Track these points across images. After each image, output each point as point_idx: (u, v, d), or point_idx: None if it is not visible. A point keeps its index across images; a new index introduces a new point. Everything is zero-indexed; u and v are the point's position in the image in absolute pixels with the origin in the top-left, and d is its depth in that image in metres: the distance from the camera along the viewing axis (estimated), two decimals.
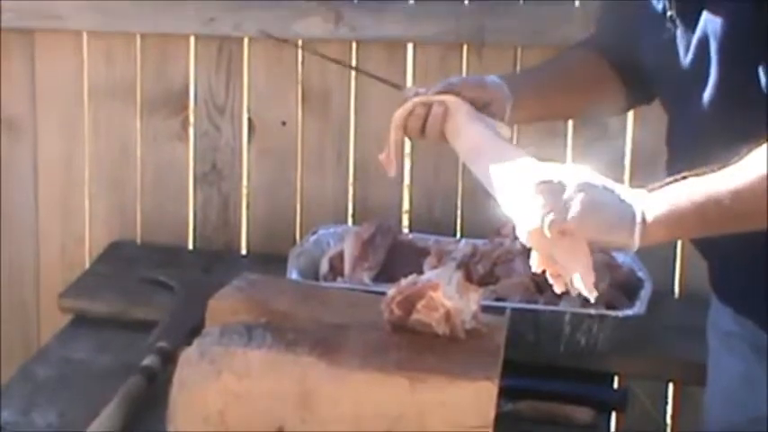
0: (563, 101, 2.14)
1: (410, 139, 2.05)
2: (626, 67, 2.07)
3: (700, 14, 1.79)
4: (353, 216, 2.94)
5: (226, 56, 2.93)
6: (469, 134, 1.93)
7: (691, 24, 1.81)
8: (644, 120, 2.73)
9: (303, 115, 2.92)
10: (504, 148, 1.87)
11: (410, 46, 2.87)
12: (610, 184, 1.67)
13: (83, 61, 2.99)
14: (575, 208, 1.62)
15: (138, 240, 3.03)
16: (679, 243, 2.77)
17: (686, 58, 1.83)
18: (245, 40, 2.92)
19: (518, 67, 2.79)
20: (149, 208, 3.03)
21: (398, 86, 2.10)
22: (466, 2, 2.81)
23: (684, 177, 1.65)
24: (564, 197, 1.63)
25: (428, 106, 1.96)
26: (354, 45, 2.87)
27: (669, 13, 1.85)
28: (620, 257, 2.46)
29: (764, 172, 1.61)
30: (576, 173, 1.67)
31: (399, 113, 1.99)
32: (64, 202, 3.06)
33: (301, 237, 2.84)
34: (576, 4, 2.77)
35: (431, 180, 2.89)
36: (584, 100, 2.15)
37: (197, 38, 2.94)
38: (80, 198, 3.05)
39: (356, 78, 2.88)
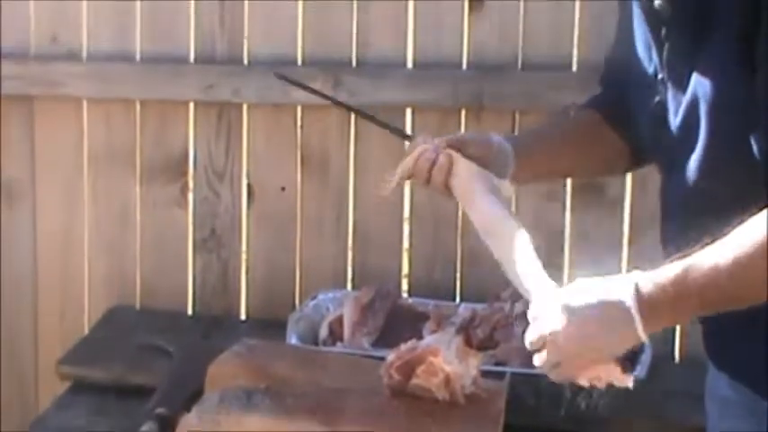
0: (565, 160, 2.14)
1: (416, 182, 2.05)
2: (628, 127, 2.08)
3: (690, 77, 1.80)
4: (353, 280, 2.93)
5: (225, 122, 2.95)
6: (477, 206, 1.94)
7: (680, 87, 1.82)
8: (643, 184, 2.73)
9: (302, 180, 2.93)
10: (508, 229, 1.88)
11: (409, 111, 2.88)
12: (599, 290, 1.68)
13: (82, 128, 3.00)
14: (565, 349, 1.67)
15: (137, 306, 3.03)
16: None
17: (676, 121, 1.84)
18: (245, 107, 2.93)
19: (516, 131, 2.80)
20: (148, 273, 3.03)
21: (408, 137, 2.10)
22: (464, 67, 2.83)
23: (681, 255, 1.66)
24: (551, 337, 1.68)
25: (435, 155, 1.97)
26: None
27: (660, 76, 1.87)
28: None
29: (762, 248, 1.60)
30: (561, 296, 1.70)
31: (407, 160, 2.00)
32: (63, 267, 3.06)
33: (301, 301, 2.83)
34: (574, 69, 2.78)
35: (430, 244, 2.89)
36: (586, 159, 2.16)
37: (196, 104, 2.96)
38: (79, 264, 3.05)
39: (355, 143, 2.89)
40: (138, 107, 2.98)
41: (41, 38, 2.98)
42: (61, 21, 2.97)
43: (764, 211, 1.63)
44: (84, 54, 2.97)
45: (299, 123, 2.92)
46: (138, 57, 2.96)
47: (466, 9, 2.81)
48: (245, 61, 2.92)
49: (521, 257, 1.83)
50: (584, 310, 1.69)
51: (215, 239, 2.99)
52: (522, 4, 2.79)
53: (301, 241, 2.95)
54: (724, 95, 1.74)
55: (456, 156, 1.97)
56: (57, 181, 3.03)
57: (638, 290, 1.66)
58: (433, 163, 1.98)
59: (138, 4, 2.94)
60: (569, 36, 2.78)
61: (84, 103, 3.00)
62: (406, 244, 2.94)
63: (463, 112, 2.84)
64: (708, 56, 1.76)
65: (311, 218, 2.94)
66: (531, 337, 1.72)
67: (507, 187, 1.97)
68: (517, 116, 2.81)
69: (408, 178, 2.04)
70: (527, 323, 1.74)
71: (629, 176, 2.76)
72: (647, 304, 1.65)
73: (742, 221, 1.64)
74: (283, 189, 2.94)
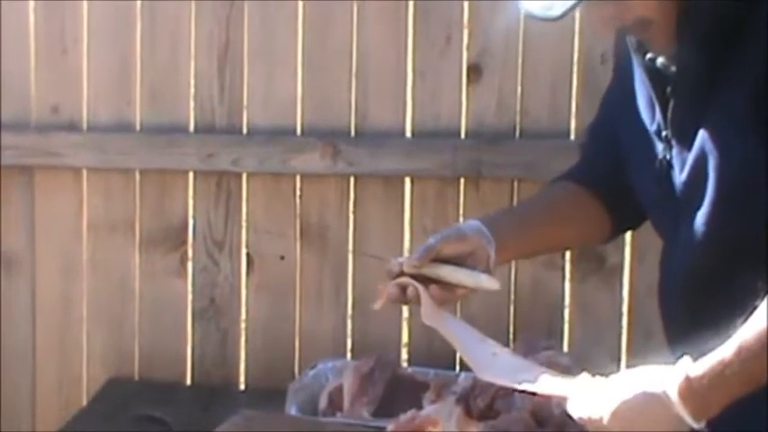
0: (545, 237, 2.14)
1: None
2: (610, 196, 2.08)
3: (696, 133, 1.80)
4: (352, 350, 2.93)
5: (224, 191, 2.95)
6: (450, 334, 1.96)
7: (686, 143, 1.82)
8: (642, 254, 2.74)
9: (301, 250, 2.93)
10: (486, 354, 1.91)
11: (407, 180, 2.89)
12: (644, 382, 1.66)
13: (82, 198, 3.01)
14: None
15: (136, 376, 3.02)
16: None
17: (681, 177, 1.84)
18: (244, 176, 2.94)
19: (515, 200, 2.81)
20: (147, 344, 3.02)
21: (382, 258, 2.09)
22: (462, 136, 2.84)
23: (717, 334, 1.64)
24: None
25: (403, 287, 1.97)
26: (352, 180, 2.89)
27: (664, 133, 1.87)
28: None
29: None
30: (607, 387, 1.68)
31: (381, 299, 2.00)
32: (61, 338, 3.05)
33: (300, 371, 2.82)
34: (572, 137, 2.80)
35: None
36: (566, 234, 2.16)
37: (196, 173, 2.96)
38: (78, 334, 3.04)
39: (354, 213, 2.90)
40: (137, 177, 2.99)
41: (42, 108, 2.99)
42: (62, 91, 2.99)
43: None
44: (85, 124, 2.98)
45: (298, 193, 2.92)
46: (137, 127, 2.97)
47: (464, 79, 2.83)
48: (245, 130, 2.93)
49: (519, 374, 1.83)
50: (629, 402, 1.66)
51: (214, 309, 2.99)
52: (519, 73, 2.81)
53: (301, 310, 2.94)
54: (734, 151, 1.74)
55: (422, 291, 1.95)
56: (56, 250, 3.03)
57: (687, 379, 1.63)
58: (404, 292, 1.97)
59: (138, 74, 2.95)
60: (567, 105, 2.80)
61: (84, 173, 3.01)
62: (405, 313, 2.93)
63: (462, 182, 2.84)
64: (716, 112, 1.76)
65: (310, 287, 2.94)
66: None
67: (489, 281, 1.97)
68: (516, 185, 2.81)
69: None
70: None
71: (627, 246, 2.76)
72: (698, 394, 1.62)
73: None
74: (282, 258, 2.94)
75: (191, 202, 2.99)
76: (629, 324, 2.81)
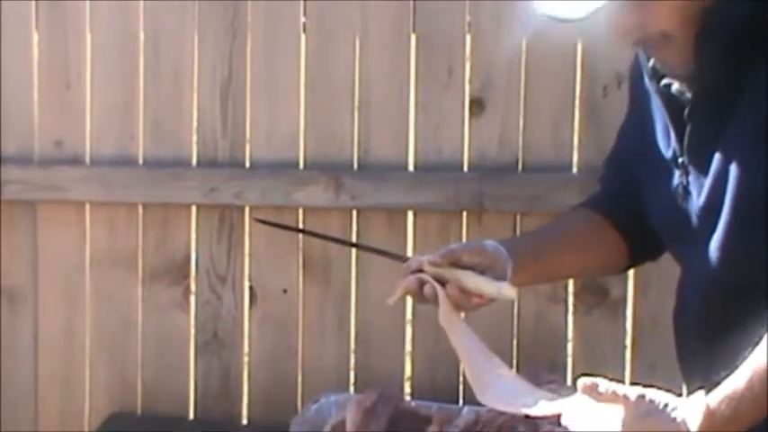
0: (562, 262, 2.14)
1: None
2: (628, 225, 2.08)
3: (712, 158, 1.79)
4: (355, 384, 2.92)
5: (227, 225, 2.95)
6: (459, 340, 1.97)
7: (703, 169, 1.82)
8: (645, 286, 2.74)
9: (304, 283, 2.93)
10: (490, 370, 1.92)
11: (410, 213, 2.89)
12: (666, 417, 1.64)
13: (85, 232, 3.01)
14: None
15: (139, 411, 3.01)
16: None
17: (699, 202, 1.83)
18: (246, 209, 2.94)
19: (518, 233, 2.81)
20: (150, 378, 3.01)
21: (401, 258, 2.09)
22: (465, 170, 2.84)
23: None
24: None
25: (421, 284, 1.98)
26: (355, 213, 2.89)
27: (681, 160, 1.86)
28: None
29: None
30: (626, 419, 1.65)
31: (398, 292, 2.02)
32: (64, 371, 3.04)
33: (303, 405, 2.81)
34: (574, 171, 2.80)
35: (432, 347, 2.88)
36: (583, 260, 2.16)
37: (198, 207, 2.96)
38: (80, 368, 3.04)
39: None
40: (140, 210, 2.99)
41: (45, 143, 3.00)
42: (65, 126, 2.99)
43: None
44: (88, 159, 2.99)
45: (300, 226, 2.92)
46: (140, 161, 2.97)
47: (467, 112, 2.84)
48: (247, 164, 2.93)
49: (521, 398, 1.83)
50: (645, 426, 1.64)
51: (217, 342, 2.98)
52: (522, 106, 2.81)
53: (303, 344, 2.94)
54: (752, 175, 1.73)
55: (440, 291, 1.97)
56: (59, 284, 3.03)
57: (708, 413, 1.62)
58: (421, 287, 1.98)
59: (141, 108, 2.96)
60: (569, 138, 2.80)
61: (87, 207, 3.01)
62: (408, 347, 2.93)
63: (464, 215, 2.84)
64: (733, 136, 1.76)
65: (313, 321, 2.93)
66: None
67: (508, 289, 1.97)
68: (518, 218, 2.81)
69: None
70: None
71: (631, 278, 2.76)
72: (716, 426, 1.61)
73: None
74: (285, 291, 2.93)
75: (193, 235, 2.99)
76: (633, 357, 2.81)
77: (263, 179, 2.89)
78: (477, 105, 2.83)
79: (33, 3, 2.98)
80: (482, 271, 1.98)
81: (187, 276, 2.99)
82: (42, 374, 3.05)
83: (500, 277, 1.99)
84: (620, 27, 1.77)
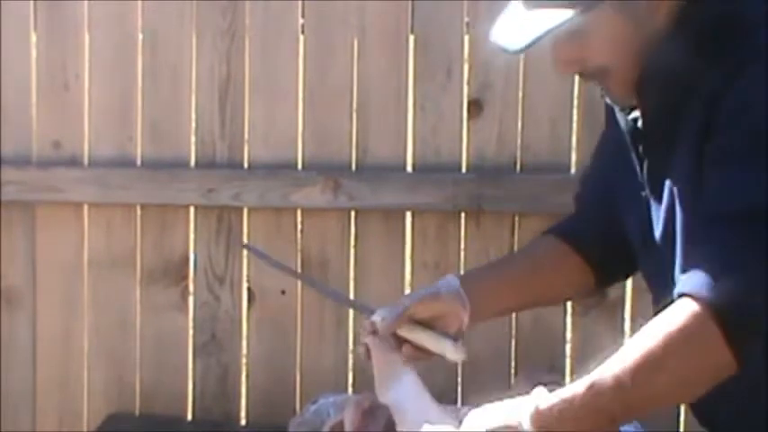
0: (522, 296, 2.18)
1: None
2: (595, 252, 2.11)
3: (664, 188, 1.82)
4: (354, 385, 2.92)
5: (225, 226, 2.95)
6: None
7: (659, 199, 1.84)
8: (643, 287, 2.72)
9: (303, 284, 2.92)
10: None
11: (408, 214, 2.89)
12: (500, 413, 1.71)
13: (83, 233, 3.01)
14: None
15: (137, 412, 3.01)
16: (682, 411, 2.75)
17: (658, 232, 1.85)
18: (245, 210, 2.94)
19: (516, 235, 2.81)
20: (148, 379, 3.01)
21: (367, 310, 2.13)
22: (463, 171, 2.84)
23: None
24: None
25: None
26: (353, 214, 2.89)
27: (643, 192, 1.88)
28: (623, 426, 2.43)
29: (657, 360, 1.62)
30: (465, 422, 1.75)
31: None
32: (62, 373, 3.04)
33: (301, 406, 2.81)
34: (572, 171, 2.80)
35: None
36: (543, 294, 2.20)
37: (197, 208, 2.96)
38: (78, 369, 3.04)
39: (355, 247, 2.90)
40: (138, 212, 2.99)
41: (43, 144, 3.00)
42: (63, 127, 2.99)
43: (658, 322, 1.65)
44: (86, 160, 2.99)
45: (299, 227, 2.92)
46: (138, 162, 2.97)
47: (465, 113, 2.84)
48: (245, 165, 2.93)
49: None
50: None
51: (215, 343, 2.98)
52: (520, 107, 2.81)
53: (302, 345, 2.94)
54: (690, 204, 1.76)
55: (372, 345, 2.06)
56: (57, 286, 3.03)
57: (538, 412, 1.66)
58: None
59: (139, 109, 2.96)
60: (567, 139, 2.80)
61: (85, 208, 3.01)
62: None
63: (463, 216, 2.84)
64: (673, 169, 1.79)
65: (312, 321, 2.93)
66: None
67: (453, 352, 2.03)
68: (517, 219, 2.81)
69: None
70: None
71: (629, 280, 2.76)
72: (548, 424, 1.66)
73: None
74: (283, 292, 2.93)
75: (191, 236, 2.99)
76: None
77: (261, 180, 2.89)
78: (476, 106, 2.83)
79: (32, 3, 2.98)
80: (438, 320, 2.04)
81: (185, 277, 2.99)
82: (40, 375, 3.05)
83: (455, 326, 2.04)
84: (561, 60, 1.81)
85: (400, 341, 2.05)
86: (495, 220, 2.82)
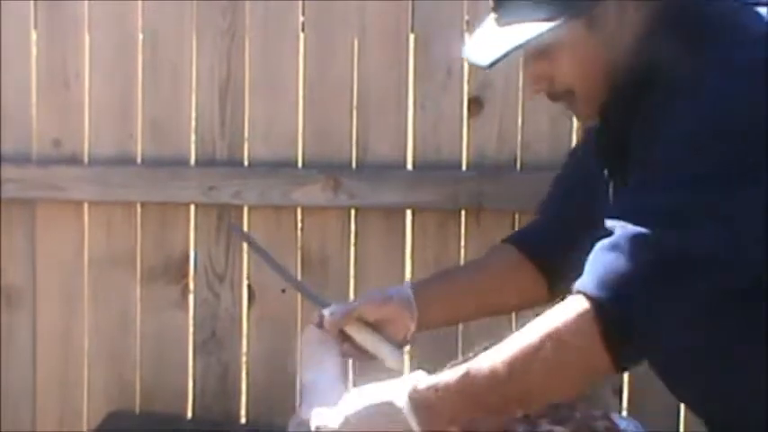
0: (475, 303, 2.21)
1: None
2: (551, 263, 2.13)
3: None
4: (354, 382, 2.91)
5: (226, 224, 2.95)
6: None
7: None
8: None
9: (303, 281, 2.92)
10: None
11: (409, 212, 2.89)
12: (377, 393, 1.75)
13: (83, 231, 3.01)
14: None
15: (137, 410, 3.01)
16: (682, 410, 2.75)
17: None
18: (245, 208, 2.94)
19: (516, 227, 2.81)
20: (148, 377, 3.01)
21: (324, 303, 2.19)
22: (463, 169, 2.84)
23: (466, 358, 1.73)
24: None
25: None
26: (353, 212, 2.89)
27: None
28: (623, 423, 2.43)
29: (536, 354, 1.65)
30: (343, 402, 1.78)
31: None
32: (62, 371, 3.04)
33: (301, 405, 2.81)
34: None
35: (431, 343, 2.86)
36: (493, 304, 2.23)
37: (197, 206, 2.96)
38: (79, 367, 3.04)
39: (355, 245, 2.90)
40: (138, 210, 2.99)
41: (43, 142, 3.00)
42: (63, 125, 2.99)
43: (543, 317, 1.68)
44: (86, 158, 2.99)
45: (299, 225, 2.92)
46: (139, 160, 2.97)
47: (465, 111, 2.84)
48: (246, 163, 2.93)
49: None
50: (360, 412, 1.74)
51: (215, 341, 2.98)
52: (520, 104, 2.82)
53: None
54: None
55: (309, 331, 2.16)
56: (57, 284, 3.03)
57: (415, 391, 1.70)
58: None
59: (140, 107, 2.96)
60: (567, 137, 2.81)
61: (86, 207, 3.01)
62: (407, 347, 2.92)
63: (463, 214, 2.85)
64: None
65: (312, 320, 2.92)
66: None
67: (392, 361, 2.09)
68: (517, 217, 2.82)
69: None
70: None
71: None
72: (424, 405, 1.69)
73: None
74: (284, 291, 2.93)
75: (192, 234, 2.99)
76: None
77: (261, 178, 2.89)
78: (476, 104, 2.83)
79: (32, 2, 2.99)
80: (385, 324, 2.09)
81: (185, 275, 2.99)
82: (41, 373, 3.05)
83: (401, 333, 2.10)
84: (530, 77, 1.85)
85: (344, 338, 2.11)
86: (496, 218, 2.82)
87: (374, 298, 2.14)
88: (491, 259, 2.24)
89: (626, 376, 2.80)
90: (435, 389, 1.70)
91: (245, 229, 2.93)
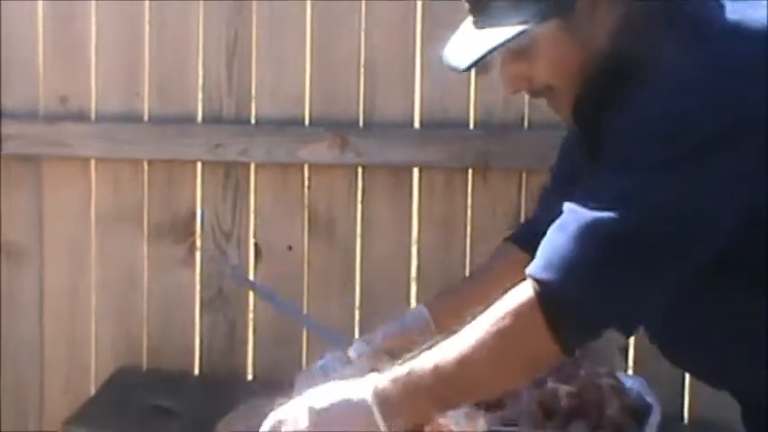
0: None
1: None
2: None
3: None
4: None
5: (232, 181, 2.95)
6: None
7: None
8: None
9: (309, 240, 2.93)
10: None
11: (416, 171, 2.88)
12: (343, 391, 1.75)
13: (90, 188, 3.01)
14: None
15: (144, 366, 3.02)
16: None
17: None
18: (252, 166, 2.94)
19: (523, 192, 2.81)
20: (155, 334, 3.02)
21: (335, 338, 2.26)
22: (471, 127, 2.84)
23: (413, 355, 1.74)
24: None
25: None
26: (360, 170, 2.89)
27: None
28: (629, 382, 2.44)
29: (482, 346, 1.66)
30: (307, 399, 1.78)
31: None
32: (69, 328, 3.05)
33: (308, 362, 2.82)
34: None
35: None
36: None
37: (204, 164, 2.96)
38: (86, 324, 3.05)
39: (362, 203, 2.90)
40: (145, 167, 2.99)
41: (50, 98, 2.99)
42: (70, 82, 2.99)
43: (490, 311, 1.69)
44: (93, 115, 2.99)
45: (306, 183, 2.92)
46: (146, 117, 2.97)
47: (473, 71, 2.82)
48: (253, 121, 2.93)
49: None
50: (328, 410, 1.74)
51: (222, 299, 2.99)
52: None
53: (308, 300, 2.94)
54: None
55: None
56: (64, 241, 3.04)
57: (376, 389, 1.71)
58: None
59: (147, 64, 2.95)
60: None
61: (93, 163, 3.01)
62: (413, 303, 2.93)
63: (470, 172, 2.84)
64: None
65: (318, 277, 2.94)
66: None
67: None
68: (524, 176, 2.81)
69: None
70: None
71: None
72: (386, 402, 1.71)
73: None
74: (290, 248, 2.93)
75: (199, 192, 2.99)
76: (633, 352, 2.81)
77: (268, 136, 2.89)
78: (483, 72, 2.81)
79: None
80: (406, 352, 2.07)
81: (192, 233, 2.99)
82: (48, 331, 3.06)
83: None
84: (507, 78, 1.85)
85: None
86: (503, 177, 2.82)
87: (393, 331, 2.19)
88: (496, 262, 2.26)
89: (630, 371, 2.81)
90: (394, 386, 1.71)
91: (252, 186, 2.93)
